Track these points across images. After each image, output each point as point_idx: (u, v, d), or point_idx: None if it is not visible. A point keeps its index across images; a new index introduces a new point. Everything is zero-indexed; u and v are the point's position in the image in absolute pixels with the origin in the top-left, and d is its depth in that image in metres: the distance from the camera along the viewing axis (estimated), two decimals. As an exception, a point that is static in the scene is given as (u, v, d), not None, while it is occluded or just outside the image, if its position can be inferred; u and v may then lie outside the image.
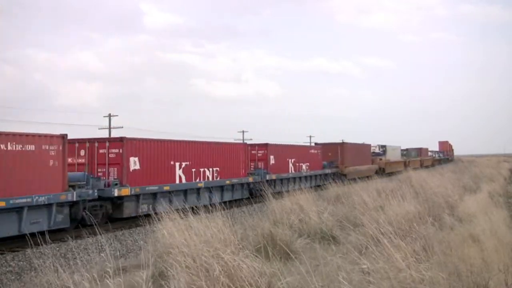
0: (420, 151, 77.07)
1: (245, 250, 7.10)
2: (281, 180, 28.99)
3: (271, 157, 28.74)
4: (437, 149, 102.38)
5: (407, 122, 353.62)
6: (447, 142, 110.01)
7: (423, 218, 10.39)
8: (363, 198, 13.53)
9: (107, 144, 18.10)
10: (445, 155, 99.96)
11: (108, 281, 6.25)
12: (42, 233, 11.40)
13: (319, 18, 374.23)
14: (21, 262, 11.97)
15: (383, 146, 56.26)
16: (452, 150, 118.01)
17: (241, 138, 59.75)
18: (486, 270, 5.87)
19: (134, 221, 17.33)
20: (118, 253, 12.81)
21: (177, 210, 9.35)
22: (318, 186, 30.10)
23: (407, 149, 72.46)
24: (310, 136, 72.72)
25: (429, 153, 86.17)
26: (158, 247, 8.54)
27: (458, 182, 22.22)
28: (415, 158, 69.46)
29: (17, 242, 13.30)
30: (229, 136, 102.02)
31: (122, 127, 48.57)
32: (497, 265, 5.99)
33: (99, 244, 12.46)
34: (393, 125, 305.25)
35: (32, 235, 10.35)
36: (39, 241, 9.30)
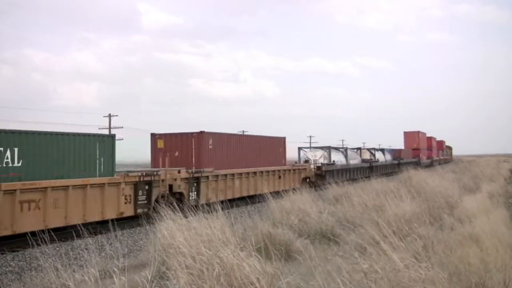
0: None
1: (246, 250, 7.10)
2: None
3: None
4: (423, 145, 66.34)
5: (407, 122, 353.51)
6: (417, 133, 66.87)
7: (423, 218, 10.41)
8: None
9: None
10: (399, 156, 56.71)
11: (110, 280, 6.25)
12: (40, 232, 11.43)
13: (318, 19, 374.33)
14: (21, 262, 11.97)
15: None
16: (450, 148, 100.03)
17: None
18: (486, 270, 5.87)
19: (135, 220, 17.34)
20: (117, 253, 12.77)
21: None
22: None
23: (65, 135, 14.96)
24: (311, 136, 72.25)
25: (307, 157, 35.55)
26: (159, 247, 8.53)
27: (458, 182, 22.22)
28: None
29: (17, 242, 13.30)
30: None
31: (123, 127, 48.42)
32: (497, 265, 6.00)
33: (99, 244, 12.45)
34: (393, 125, 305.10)
35: (32, 234, 10.36)
36: (39, 240, 9.30)
